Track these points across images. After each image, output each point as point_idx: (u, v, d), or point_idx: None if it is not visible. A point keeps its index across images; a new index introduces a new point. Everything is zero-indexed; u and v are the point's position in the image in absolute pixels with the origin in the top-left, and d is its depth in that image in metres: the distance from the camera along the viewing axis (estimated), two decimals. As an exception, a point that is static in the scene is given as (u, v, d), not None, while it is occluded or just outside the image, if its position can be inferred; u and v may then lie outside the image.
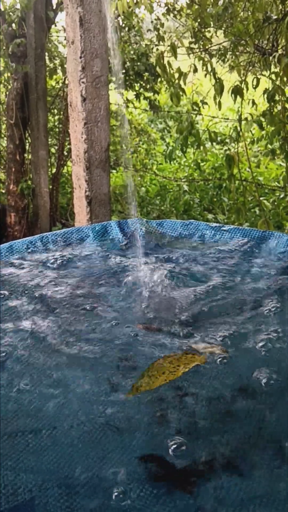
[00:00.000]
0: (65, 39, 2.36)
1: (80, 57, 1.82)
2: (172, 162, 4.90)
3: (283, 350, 0.84)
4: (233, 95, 2.47)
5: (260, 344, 0.85)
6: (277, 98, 2.42)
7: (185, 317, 0.96)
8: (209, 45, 3.19)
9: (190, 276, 1.14)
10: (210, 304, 1.01)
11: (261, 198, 2.87)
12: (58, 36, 3.89)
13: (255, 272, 1.15)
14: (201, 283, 1.10)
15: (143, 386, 0.74)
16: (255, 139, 3.10)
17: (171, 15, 3.50)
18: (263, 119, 2.48)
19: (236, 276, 1.13)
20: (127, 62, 3.68)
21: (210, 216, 4.03)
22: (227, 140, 4.49)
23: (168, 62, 2.68)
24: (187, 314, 0.97)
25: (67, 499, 0.57)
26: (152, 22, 3.62)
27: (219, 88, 2.47)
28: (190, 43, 3.23)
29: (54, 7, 3.38)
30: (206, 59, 2.93)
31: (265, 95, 2.42)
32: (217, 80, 2.49)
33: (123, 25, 3.71)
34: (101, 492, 0.58)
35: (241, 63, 2.88)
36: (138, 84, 3.92)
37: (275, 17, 2.45)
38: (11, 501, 0.56)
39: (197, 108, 2.92)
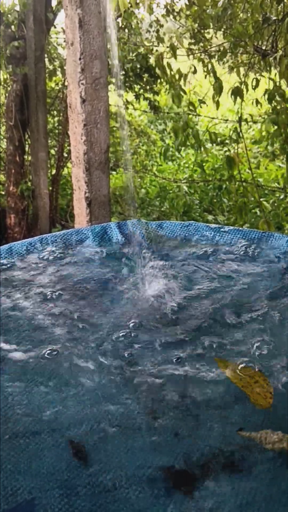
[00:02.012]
0: (64, 40, 2.36)
1: (80, 59, 1.82)
2: (171, 163, 4.90)
3: None
4: (233, 96, 2.47)
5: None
6: (277, 98, 2.42)
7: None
8: (209, 46, 3.19)
9: (190, 279, 1.13)
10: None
11: (261, 199, 2.87)
12: (57, 38, 3.89)
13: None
14: (201, 286, 1.10)
15: (224, 366, 0.79)
16: (256, 140, 3.09)
17: (171, 16, 3.50)
18: (264, 118, 2.47)
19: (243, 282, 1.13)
20: (127, 63, 3.68)
21: (210, 217, 4.03)
22: (227, 141, 4.49)
23: (168, 63, 2.68)
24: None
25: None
26: (151, 23, 3.62)
27: (218, 88, 2.47)
28: (190, 44, 3.23)
29: (53, 9, 3.38)
30: (206, 60, 2.93)
31: (266, 96, 2.41)
32: (217, 80, 2.49)
33: (123, 26, 3.71)
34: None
35: (241, 64, 2.88)
36: (138, 86, 3.92)
37: (275, 18, 2.44)
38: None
39: (193, 108, 2.91)
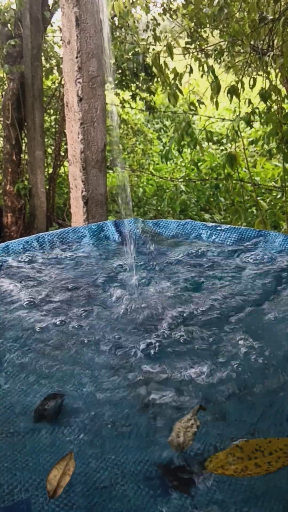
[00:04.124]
0: (61, 39, 2.36)
1: (76, 57, 1.82)
2: (168, 162, 4.91)
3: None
4: (229, 95, 2.47)
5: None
6: (273, 97, 2.42)
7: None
8: (205, 45, 3.19)
9: (184, 278, 1.14)
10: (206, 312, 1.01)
11: (257, 198, 2.87)
12: (54, 36, 3.88)
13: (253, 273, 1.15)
14: (195, 285, 1.10)
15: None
16: (253, 139, 3.09)
17: (167, 15, 3.50)
18: (256, 118, 2.47)
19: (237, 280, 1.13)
20: (124, 62, 3.68)
21: (207, 216, 4.03)
22: (224, 140, 4.49)
23: (165, 62, 2.68)
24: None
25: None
26: (147, 24, 3.62)
27: (216, 87, 2.47)
28: (186, 43, 3.23)
29: (50, 7, 3.38)
30: (202, 59, 2.93)
31: (260, 95, 2.41)
32: (214, 79, 2.49)
33: (119, 25, 3.71)
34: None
35: (237, 63, 2.88)
36: (135, 85, 3.92)
37: (271, 17, 2.45)
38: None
39: (193, 108, 2.91)
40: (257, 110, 2.50)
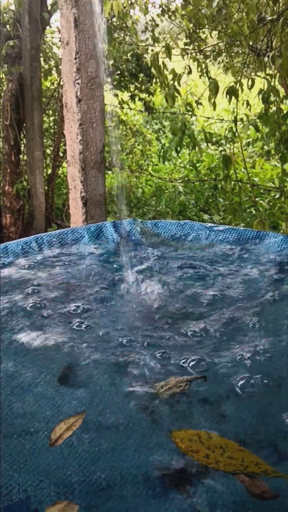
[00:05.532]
0: (60, 40, 2.36)
1: (75, 58, 1.82)
2: (167, 163, 4.91)
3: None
4: (228, 96, 2.47)
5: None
6: (272, 99, 2.43)
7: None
8: (204, 46, 3.20)
9: (184, 278, 1.14)
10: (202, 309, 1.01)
11: (256, 199, 2.88)
12: (53, 37, 3.88)
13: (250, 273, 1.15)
14: (193, 285, 1.11)
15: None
16: (251, 140, 3.10)
17: (166, 16, 3.50)
18: (258, 121, 2.48)
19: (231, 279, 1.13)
20: (122, 63, 3.68)
21: (205, 216, 4.04)
22: (223, 141, 4.50)
23: (163, 63, 2.68)
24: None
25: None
26: (146, 25, 3.62)
27: (214, 88, 2.47)
28: (185, 44, 3.23)
29: (49, 8, 3.38)
30: (201, 60, 2.93)
31: (260, 96, 2.42)
32: (212, 80, 2.49)
33: (118, 25, 3.71)
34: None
35: (236, 64, 2.88)
36: (133, 86, 3.92)
37: (270, 18, 2.45)
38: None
39: (190, 109, 2.92)
40: (256, 112, 2.51)
